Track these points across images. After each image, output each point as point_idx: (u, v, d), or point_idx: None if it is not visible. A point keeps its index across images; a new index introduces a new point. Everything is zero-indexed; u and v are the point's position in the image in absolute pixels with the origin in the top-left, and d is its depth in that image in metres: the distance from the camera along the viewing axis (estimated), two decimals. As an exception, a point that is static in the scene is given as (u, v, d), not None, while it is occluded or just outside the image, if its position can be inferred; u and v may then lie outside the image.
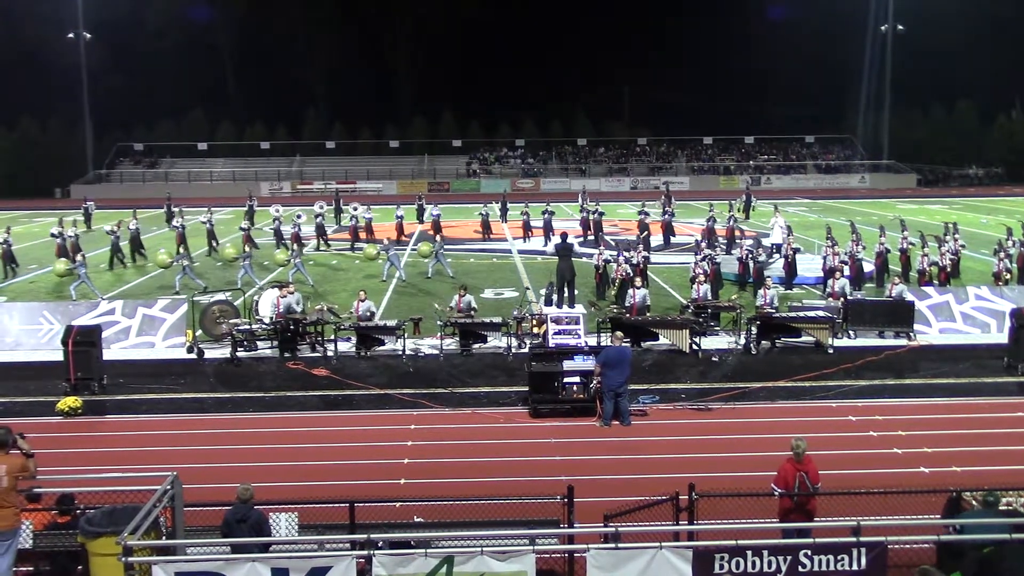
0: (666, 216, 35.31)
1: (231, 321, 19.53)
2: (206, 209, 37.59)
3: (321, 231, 35.37)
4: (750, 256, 25.25)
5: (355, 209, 37.20)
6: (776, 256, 28.29)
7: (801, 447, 9.73)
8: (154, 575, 7.54)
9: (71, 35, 65.84)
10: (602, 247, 25.77)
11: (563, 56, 76.76)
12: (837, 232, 27.47)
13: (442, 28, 77.27)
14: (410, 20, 79.16)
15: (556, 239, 22.20)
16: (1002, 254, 24.71)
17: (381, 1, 77.99)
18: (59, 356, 17.12)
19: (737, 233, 32.00)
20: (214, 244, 34.23)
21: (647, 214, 34.15)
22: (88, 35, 66.40)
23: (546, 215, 35.22)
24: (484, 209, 37.68)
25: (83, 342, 16.96)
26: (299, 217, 35.14)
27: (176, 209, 37.61)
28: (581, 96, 78.30)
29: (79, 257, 25.80)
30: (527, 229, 36.36)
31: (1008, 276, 24.08)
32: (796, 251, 26.04)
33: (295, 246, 30.42)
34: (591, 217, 35.67)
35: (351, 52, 77.61)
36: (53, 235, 30.25)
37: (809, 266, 26.75)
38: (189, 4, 74.85)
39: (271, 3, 76.31)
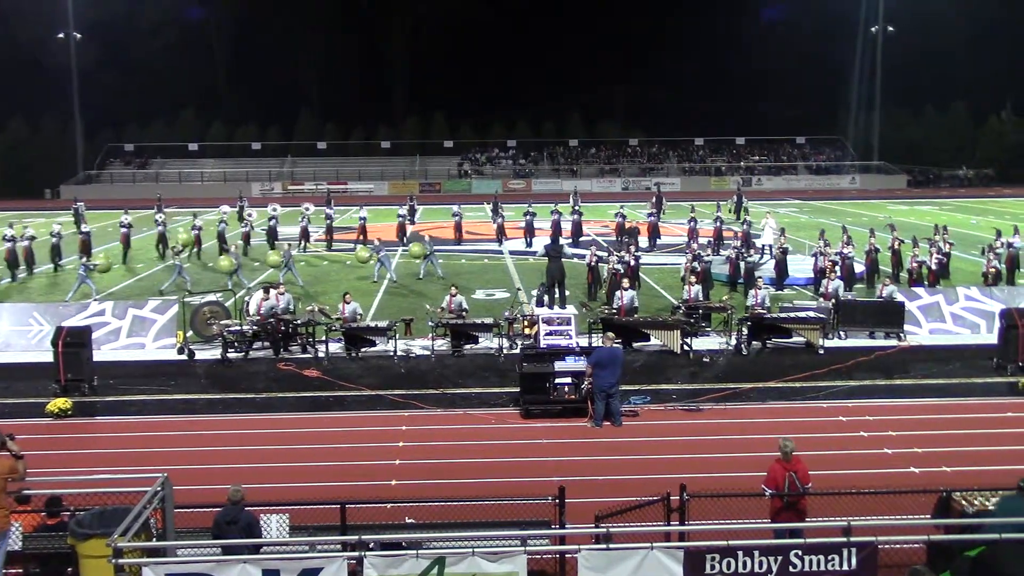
0: (651, 218, 35.32)
1: (222, 322, 19.49)
2: (155, 209, 36.69)
3: (272, 234, 33.96)
4: (740, 257, 25.30)
5: (307, 209, 36.75)
6: (766, 256, 28.34)
7: (788, 447, 9.76)
8: (144, 577, 7.53)
9: (61, 35, 65.55)
10: (594, 248, 25.75)
11: (558, 57, 76.79)
12: (827, 234, 27.53)
13: (437, 29, 77.21)
14: (404, 21, 79.09)
15: (547, 240, 22.22)
16: (991, 255, 24.83)
17: (375, 2, 77.95)
18: (49, 357, 17.08)
19: (727, 234, 32.04)
20: (162, 247, 33.06)
21: (624, 216, 34.24)
22: (78, 35, 66.03)
23: (528, 216, 35.12)
24: (457, 208, 37.44)
25: (73, 343, 16.91)
26: (250, 216, 34.76)
27: (128, 210, 37.06)
28: (576, 97, 78.31)
29: (85, 259, 25.56)
30: (500, 232, 35.94)
31: (994, 271, 24.23)
32: (785, 251, 26.11)
33: (286, 246, 30.23)
34: (567, 218, 35.60)
35: (345, 53, 77.52)
36: (6, 239, 28.94)
37: (800, 267, 26.80)
38: (182, 4, 74.59)
39: (264, 3, 76.10)
